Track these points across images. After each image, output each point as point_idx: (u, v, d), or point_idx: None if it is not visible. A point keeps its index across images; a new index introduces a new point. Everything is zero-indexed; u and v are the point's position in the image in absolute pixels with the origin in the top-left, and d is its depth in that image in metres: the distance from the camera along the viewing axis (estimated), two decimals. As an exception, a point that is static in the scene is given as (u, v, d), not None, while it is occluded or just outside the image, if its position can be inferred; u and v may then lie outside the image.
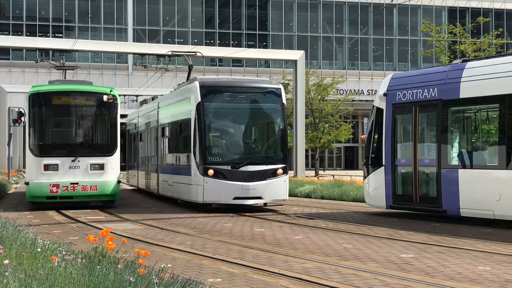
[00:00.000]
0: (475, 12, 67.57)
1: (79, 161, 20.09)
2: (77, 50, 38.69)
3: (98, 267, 6.74)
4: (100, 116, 20.94)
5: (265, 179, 19.01)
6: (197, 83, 19.37)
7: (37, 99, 20.52)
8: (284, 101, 19.88)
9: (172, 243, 12.22)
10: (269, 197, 19.20)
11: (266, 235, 13.52)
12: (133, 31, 66.71)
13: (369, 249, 11.30)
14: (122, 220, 17.16)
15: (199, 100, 19.09)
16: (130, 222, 16.53)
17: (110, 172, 20.38)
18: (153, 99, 28.60)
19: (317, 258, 10.31)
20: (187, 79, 24.56)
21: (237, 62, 65.15)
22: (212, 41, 66.67)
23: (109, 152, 20.58)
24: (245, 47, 59.42)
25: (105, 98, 20.65)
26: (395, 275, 8.73)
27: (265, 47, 66.83)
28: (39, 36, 60.66)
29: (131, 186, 34.03)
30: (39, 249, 8.38)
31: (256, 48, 62.56)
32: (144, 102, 33.29)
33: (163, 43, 62.28)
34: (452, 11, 70.44)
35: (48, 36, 62.49)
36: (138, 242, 12.33)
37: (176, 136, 22.06)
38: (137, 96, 53.48)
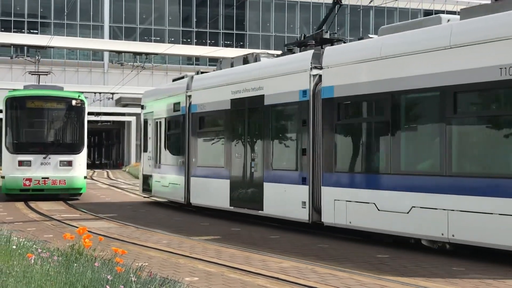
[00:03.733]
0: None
1: (49, 158, 22.37)
2: (53, 47, 38.43)
3: (75, 265, 6.70)
4: (69, 118, 23.54)
5: None
6: None
7: (13, 103, 23.06)
8: None
9: (147, 242, 12.18)
10: None
11: (242, 235, 13.53)
12: (109, 28, 66.26)
13: (345, 249, 11.36)
14: (97, 218, 17.05)
15: None
16: (105, 220, 16.44)
17: (77, 168, 22.66)
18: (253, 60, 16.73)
19: (293, 257, 10.35)
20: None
21: (214, 61, 64.97)
22: (189, 40, 66.45)
23: (77, 150, 22.97)
24: (222, 47, 59.36)
25: (73, 102, 23.10)
26: (371, 275, 8.79)
27: (242, 46, 66.76)
28: (14, 32, 59.99)
29: (155, 198, 21.92)
30: (14, 247, 8.31)
31: (233, 47, 62.49)
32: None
33: (139, 41, 61.96)
34: (428, 13, 70.99)
35: (23, 32, 61.83)
36: (114, 240, 12.27)
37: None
38: (112, 94, 53.22)
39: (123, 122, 71.17)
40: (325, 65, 12.96)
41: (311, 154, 13.17)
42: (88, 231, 9.04)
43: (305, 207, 13.26)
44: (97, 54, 64.71)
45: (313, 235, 13.35)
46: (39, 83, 32.94)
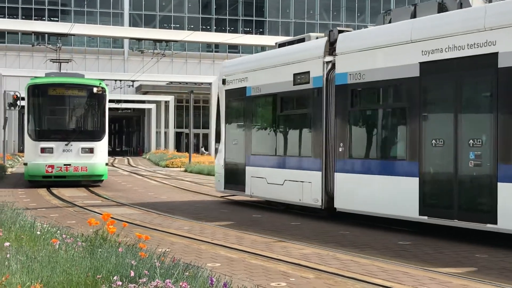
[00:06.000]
0: None
1: (71, 145, 22.62)
2: (74, 34, 38.68)
3: (100, 250, 6.76)
4: (91, 105, 23.88)
5: None
6: None
7: (35, 90, 23.25)
8: None
9: (169, 228, 12.26)
10: None
11: (263, 221, 13.56)
12: (129, 16, 66.45)
13: (367, 236, 11.35)
14: (119, 204, 17.18)
15: None
16: (127, 206, 16.56)
17: (99, 155, 22.95)
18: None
19: (315, 244, 10.36)
20: None
21: (234, 48, 64.96)
22: (208, 27, 66.45)
23: (98, 137, 23.24)
24: (242, 33, 59.28)
25: (95, 90, 23.23)
26: (393, 262, 8.77)
27: (262, 33, 66.68)
28: (35, 19, 60.36)
29: (253, 198, 16.94)
30: (38, 232, 8.39)
31: (252, 34, 62.41)
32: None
33: (159, 28, 62.09)
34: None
35: (44, 20, 62.18)
36: (136, 226, 12.35)
37: None
38: (133, 81, 53.42)
39: (143, 110, 71.54)
40: None
41: None
42: (112, 217, 9.11)
43: None
44: (117, 42, 64.98)
45: (334, 222, 13.35)
46: (60, 70, 33.26)
